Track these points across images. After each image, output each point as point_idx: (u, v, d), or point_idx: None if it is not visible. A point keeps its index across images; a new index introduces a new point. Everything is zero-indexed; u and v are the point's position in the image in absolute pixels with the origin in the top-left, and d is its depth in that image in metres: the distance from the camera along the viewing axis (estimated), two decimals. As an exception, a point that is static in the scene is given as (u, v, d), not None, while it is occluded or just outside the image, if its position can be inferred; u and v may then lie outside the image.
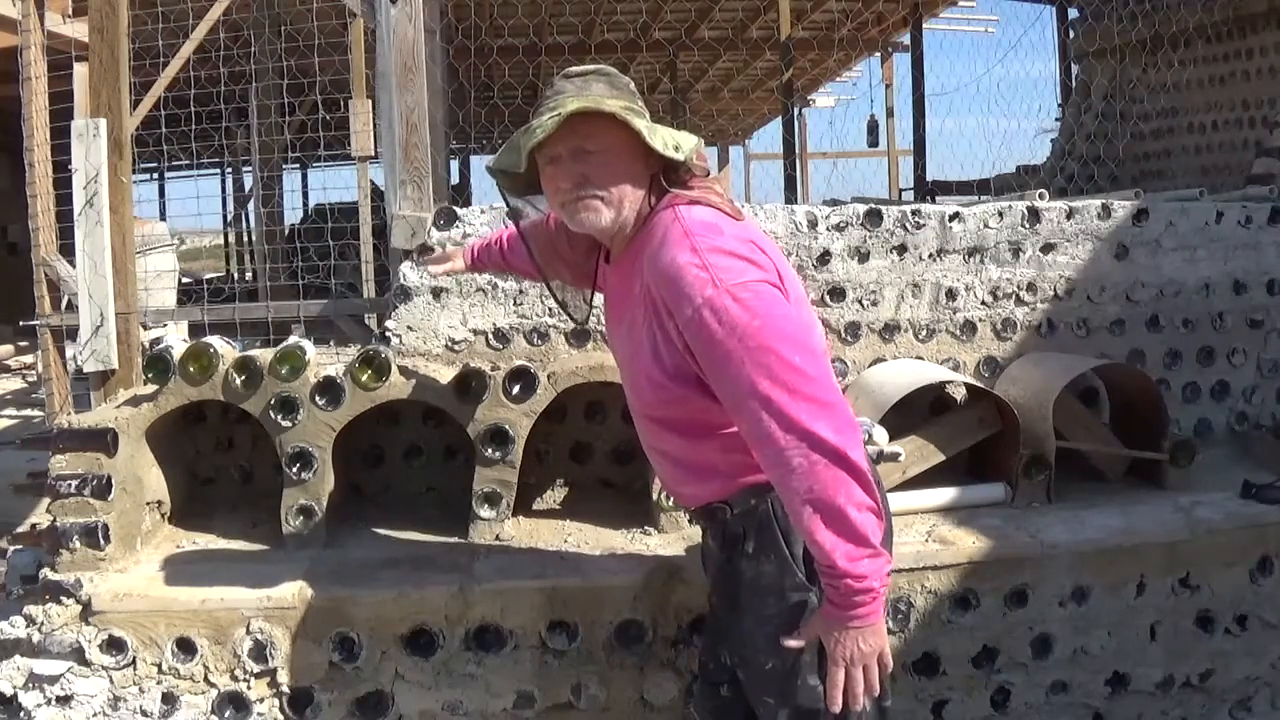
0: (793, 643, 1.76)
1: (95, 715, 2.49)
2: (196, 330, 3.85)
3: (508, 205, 2.11)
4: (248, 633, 2.49)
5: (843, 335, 3.27)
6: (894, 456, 2.92)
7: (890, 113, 12.89)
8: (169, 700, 2.50)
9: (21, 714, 2.48)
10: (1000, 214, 3.32)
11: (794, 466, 1.63)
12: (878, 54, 12.08)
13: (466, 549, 2.77)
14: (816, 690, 1.81)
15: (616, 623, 2.56)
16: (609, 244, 1.94)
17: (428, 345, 3.17)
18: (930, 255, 3.29)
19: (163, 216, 12.68)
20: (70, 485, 2.60)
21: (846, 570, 1.63)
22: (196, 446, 3.18)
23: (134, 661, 2.49)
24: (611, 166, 1.79)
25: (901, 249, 3.27)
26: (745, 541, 1.87)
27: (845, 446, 1.63)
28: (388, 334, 3.17)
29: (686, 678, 2.57)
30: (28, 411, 7.84)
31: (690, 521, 2.86)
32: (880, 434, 2.91)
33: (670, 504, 2.86)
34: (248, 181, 10.84)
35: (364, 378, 2.79)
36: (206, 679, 2.51)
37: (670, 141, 1.76)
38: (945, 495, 2.97)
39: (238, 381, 2.77)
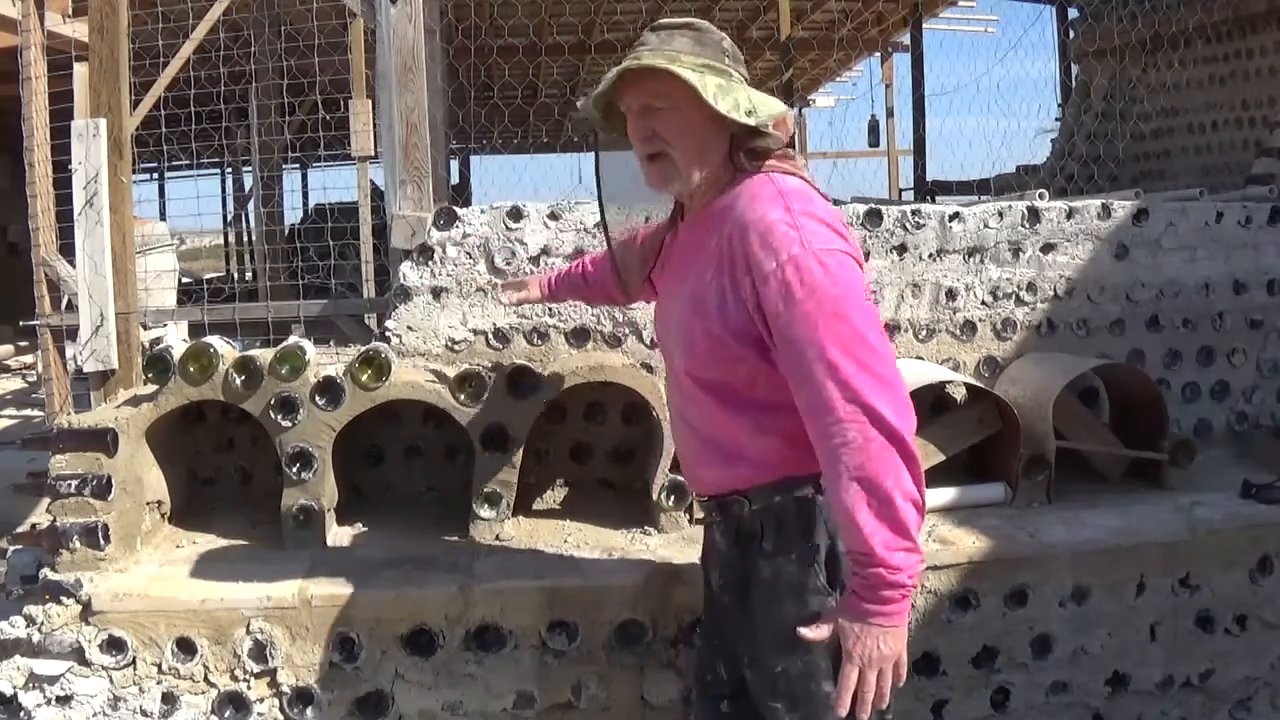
0: (811, 632, 1.66)
1: (95, 715, 2.50)
2: (196, 330, 3.85)
3: (605, 230, 2.12)
4: (248, 633, 2.49)
5: (843, 335, 3.26)
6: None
7: (890, 113, 12.89)
8: (169, 700, 2.50)
9: (21, 714, 2.48)
10: (1000, 214, 3.32)
11: (849, 440, 1.58)
12: (878, 54, 12.08)
13: (466, 549, 2.77)
14: (829, 698, 1.69)
15: (616, 623, 2.56)
16: (687, 203, 1.91)
17: (428, 345, 3.16)
18: (930, 255, 3.29)
19: (163, 216, 12.69)
20: (70, 485, 2.60)
21: (882, 558, 1.57)
22: (196, 446, 3.18)
23: (134, 661, 2.49)
24: (679, 124, 1.77)
25: (901, 249, 3.27)
26: (762, 539, 1.80)
27: (904, 430, 1.59)
28: (388, 334, 3.17)
29: (687, 678, 2.57)
30: (28, 411, 7.84)
31: (690, 521, 2.86)
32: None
33: (670, 504, 2.86)
34: (248, 181, 10.84)
35: (364, 378, 2.79)
36: (206, 679, 2.51)
37: (744, 105, 1.72)
38: (945, 495, 2.97)
39: (238, 381, 2.77)
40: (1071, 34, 8.11)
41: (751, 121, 1.73)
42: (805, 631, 1.67)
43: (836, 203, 4.79)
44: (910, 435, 1.61)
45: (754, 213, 1.70)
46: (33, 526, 2.82)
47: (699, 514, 2.86)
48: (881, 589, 1.59)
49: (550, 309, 3.17)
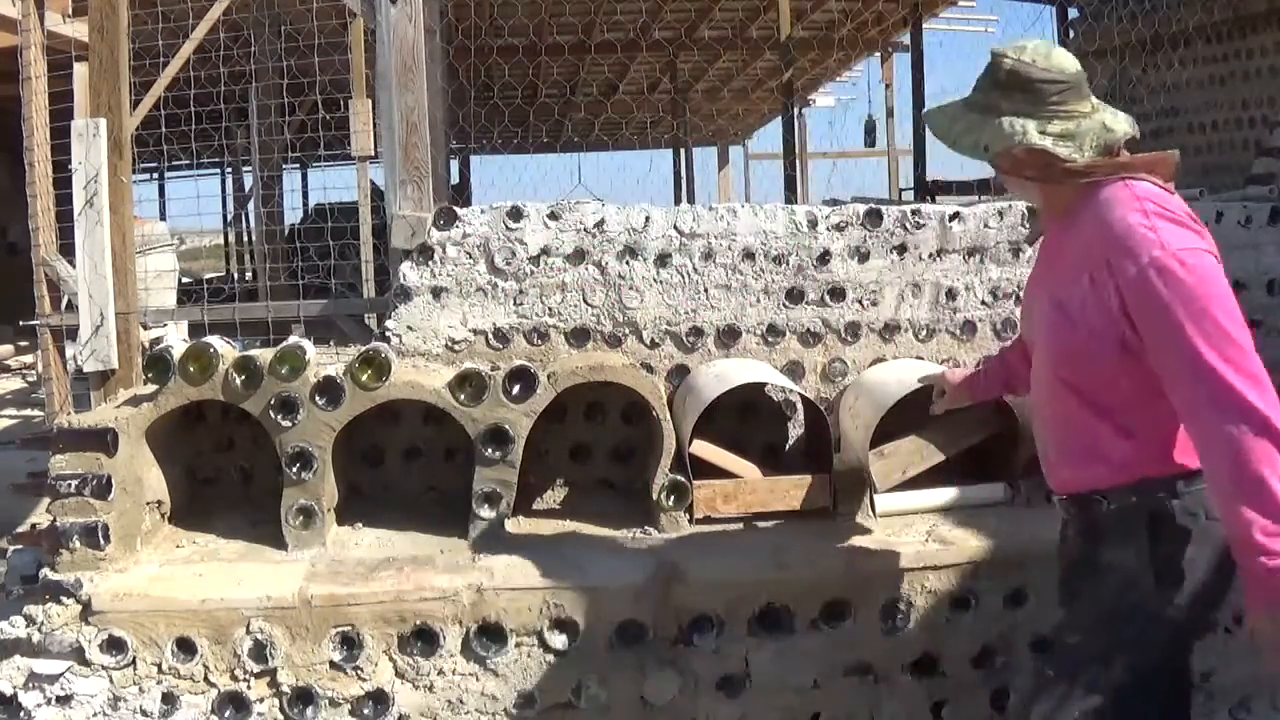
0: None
1: (95, 715, 2.50)
2: (196, 330, 3.86)
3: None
4: (248, 633, 2.49)
5: (843, 335, 3.27)
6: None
7: (890, 113, 12.91)
8: (169, 700, 2.50)
9: (21, 714, 2.48)
10: (1000, 214, 3.32)
11: (1222, 434, 1.67)
12: (878, 54, 12.09)
13: (466, 549, 2.77)
14: (1130, 674, 1.82)
15: (616, 623, 2.56)
16: (1045, 213, 2.06)
17: (428, 345, 3.16)
18: (930, 255, 3.29)
19: (163, 216, 12.70)
20: (70, 485, 2.60)
21: (1261, 545, 1.64)
22: (196, 446, 3.18)
23: (134, 661, 2.49)
24: (1004, 159, 1.94)
25: (901, 249, 3.27)
26: (1111, 535, 1.90)
27: (1275, 419, 1.66)
28: (388, 334, 3.17)
29: (687, 677, 2.57)
30: (28, 411, 7.84)
31: (691, 521, 2.86)
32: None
33: (670, 504, 2.86)
34: (248, 181, 10.83)
35: (364, 378, 2.79)
36: (206, 679, 2.51)
37: (983, 141, 1.91)
38: (945, 495, 2.97)
39: (238, 381, 2.77)
40: (1071, 34, 8.11)
41: (986, 157, 1.93)
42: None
43: (836, 203, 4.80)
44: None
45: (1114, 216, 1.81)
46: (33, 526, 2.83)
47: (699, 514, 2.88)
48: (1267, 578, 1.65)
49: (550, 308, 3.17)
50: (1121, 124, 1.90)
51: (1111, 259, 1.78)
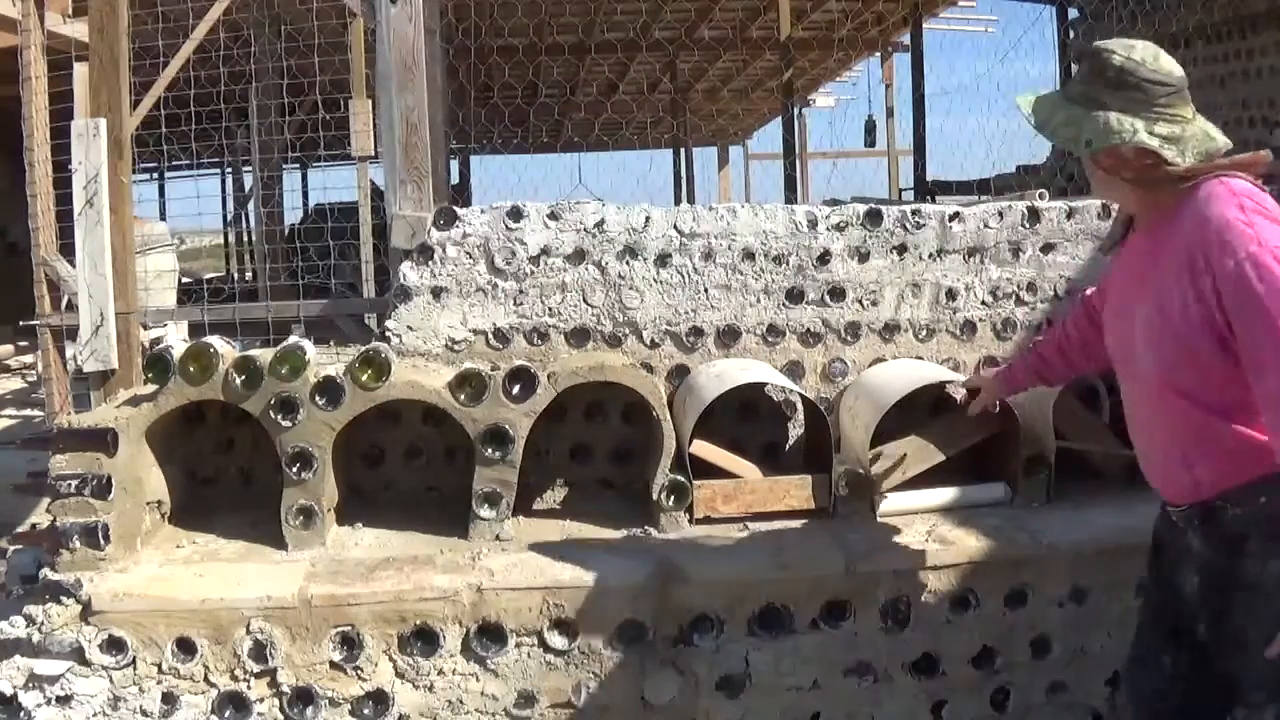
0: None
1: (95, 715, 2.50)
2: (196, 330, 3.86)
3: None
4: (248, 633, 2.49)
5: (843, 335, 3.27)
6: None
7: (890, 113, 12.89)
8: (169, 700, 2.50)
9: (21, 714, 2.48)
10: (1000, 214, 3.32)
11: None
12: (878, 54, 12.08)
13: (466, 549, 2.77)
14: None
15: (616, 623, 2.56)
16: (1138, 215, 2.04)
17: (428, 345, 3.17)
18: (930, 255, 3.29)
19: (163, 216, 12.69)
20: (70, 485, 2.60)
21: None
22: (196, 446, 3.18)
23: (134, 661, 2.49)
24: (1106, 157, 1.93)
25: (901, 249, 3.27)
26: (1249, 541, 1.84)
27: None
28: (388, 334, 3.17)
29: (687, 677, 2.57)
30: (28, 411, 7.83)
31: (691, 521, 2.86)
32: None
33: (670, 504, 2.86)
34: (248, 181, 10.84)
35: (364, 378, 2.79)
36: (206, 679, 2.51)
37: (1084, 136, 1.90)
38: (945, 495, 2.97)
39: (238, 381, 2.77)
40: (1071, 34, 8.11)
41: (1088, 152, 1.91)
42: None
43: (836, 202, 4.80)
44: None
45: (1211, 212, 1.82)
46: (33, 526, 2.84)
47: (699, 514, 2.88)
48: None
49: (550, 308, 3.17)
50: (1219, 135, 1.93)
51: (1210, 254, 1.79)
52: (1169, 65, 1.91)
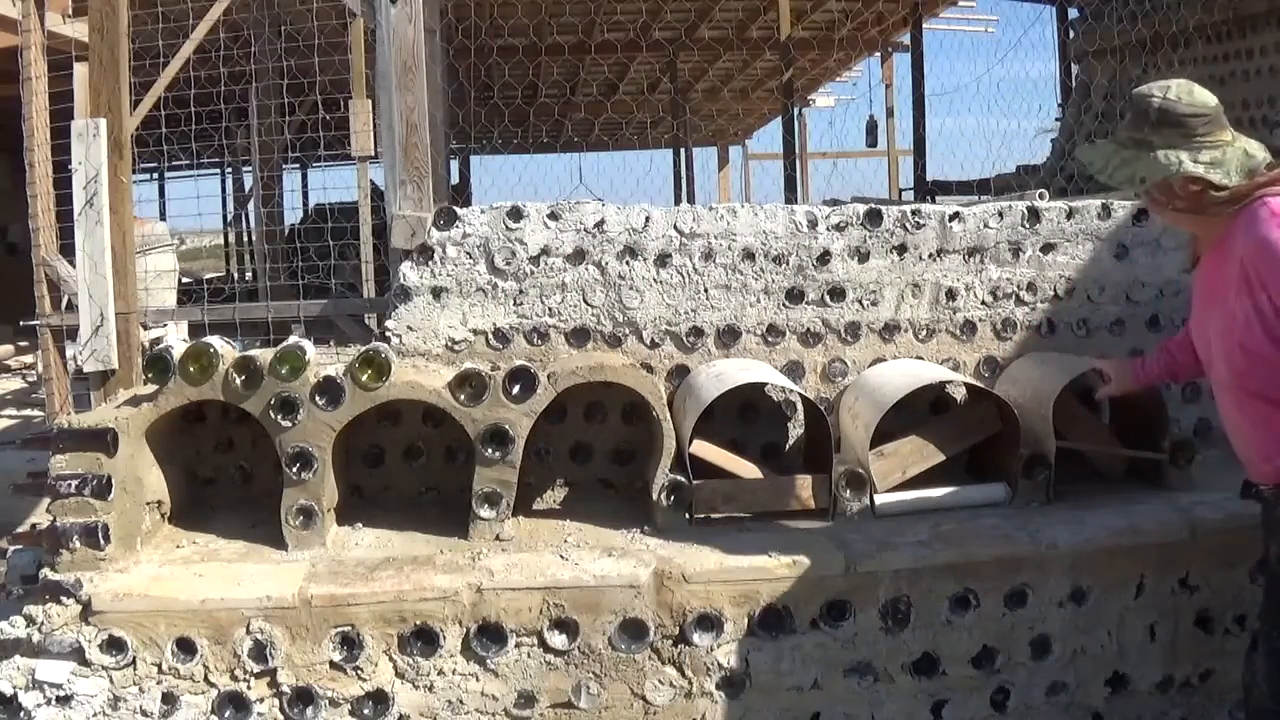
0: None
1: (95, 715, 2.49)
2: (196, 330, 3.86)
3: None
4: (248, 633, 2.49)
5: (843, 335, 3.27)
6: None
7: (890, 113, 12.90)
8: (169, 700, 2.50)
9: (21, 714, 2.48)
10: (1000, 214, 3.32)
11: None
12: (878, 54, 12.08)
13: (466, 549, 2.77)
14: None
15: (616, 623, 2.56)
16: (1201, 237, 2.32)
17: (428, 345, 3.16)
18: (930, 255, 3.29)
19: (163, 216, 12.71)
20: (70, 485, 2.60)
21: None
22: (196, 446, 3.18)
23: (134, 661, 2.49)
24: (1161, 191, 2.22)
25: (901, 249, 3.27)
26: None
27: None
28: (388, 334, 3.17)
29: (687, 677, 2.57)
30: (28, 411, 7.84)
31: (691, 521, 2.86)
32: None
33: (670, 503, 2.86)
34: (248, 181, 10.84)
35: (364, 378, 2.79)
36: (206, 679, 2.50)
37: (1139, 174, 2.15)
38: (945, 495, 2.97)
39: (238, 381, 2.77)
40: (1071, 34, 8.12)
41: (1143, 189, 2.19)
42: None
43: (836, 202, 4.79)
44: None
45: (1258, 234, 2.09)
46: (33, 526, 2.83)
47: (699, 514, 2.88)
48: None
49: (550, 308, 3.17)
50: (1259, 150, 2.16)
51: (1260, 272, 2.07)
52: (1203, 96, 2.14)
